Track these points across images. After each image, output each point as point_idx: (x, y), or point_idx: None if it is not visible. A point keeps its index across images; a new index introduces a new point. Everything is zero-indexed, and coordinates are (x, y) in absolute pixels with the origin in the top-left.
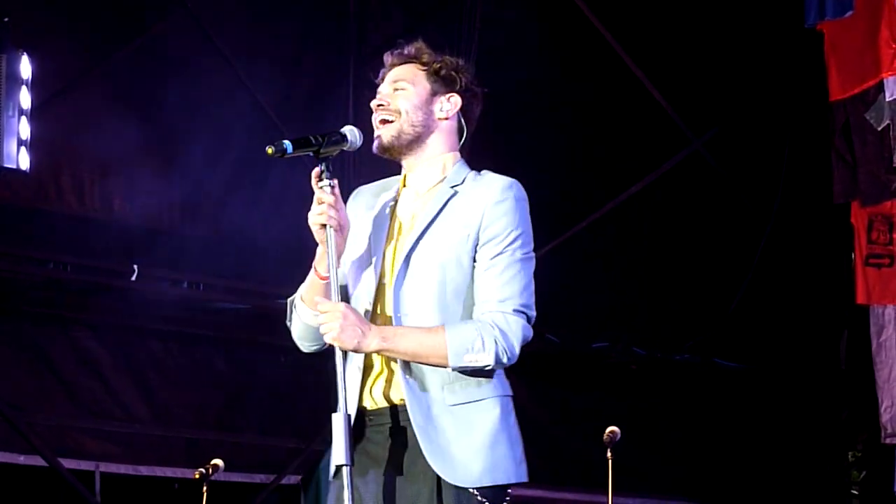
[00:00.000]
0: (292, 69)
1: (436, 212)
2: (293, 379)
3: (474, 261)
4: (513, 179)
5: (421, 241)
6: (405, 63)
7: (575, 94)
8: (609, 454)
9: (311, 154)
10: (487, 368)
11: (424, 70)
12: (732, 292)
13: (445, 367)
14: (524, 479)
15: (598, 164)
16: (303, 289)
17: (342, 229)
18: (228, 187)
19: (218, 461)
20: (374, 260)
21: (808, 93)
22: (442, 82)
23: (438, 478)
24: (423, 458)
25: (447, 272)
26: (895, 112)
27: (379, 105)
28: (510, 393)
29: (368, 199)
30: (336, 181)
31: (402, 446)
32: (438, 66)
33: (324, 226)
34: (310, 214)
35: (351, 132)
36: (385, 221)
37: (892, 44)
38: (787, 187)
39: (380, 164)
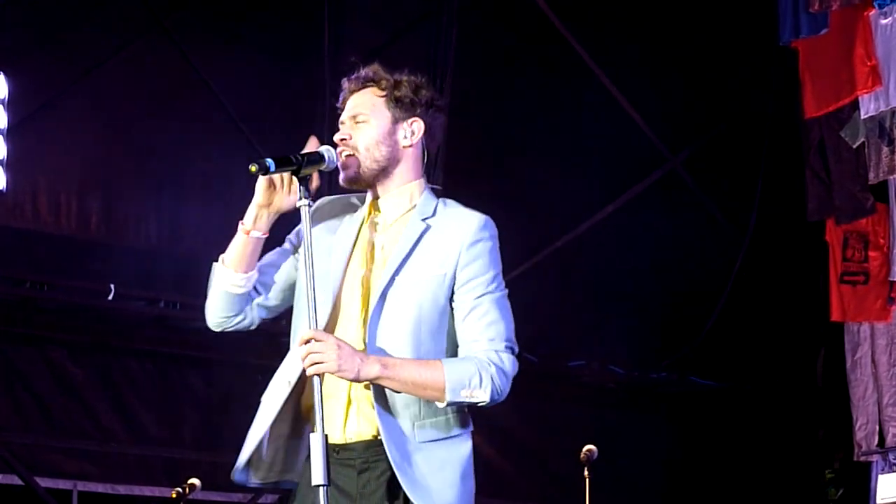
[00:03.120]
0: (268, 87)
1: (409, 247)
2: None
3: (451, 301)
4: (485, 217)
5: (397, 278)
6: (363, 88)
7: (551, 115)
8: (586, 472)
9: (291, 173)
10: (479, 405)
11: (384, 97)
12: (709, 310)
13: (440, 400)
14: None
15: (577, 183)
16: (228, 252)
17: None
18: (204, 206)
19: (195, 480)
20: (341, 285)
21: (783, 111)
22: (403, 108)
23: None
24: (399, 492)
25: (423, 311)
26: (870, 130)
27: (342, 139)
28: (471, 427)
29: (329, 217)
30: (311, 202)
31: (374, 480)
32: (398, 92)
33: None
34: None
35: (328, 152)
36: (352, 246)
37: (868, 61)
38: (763, 205)
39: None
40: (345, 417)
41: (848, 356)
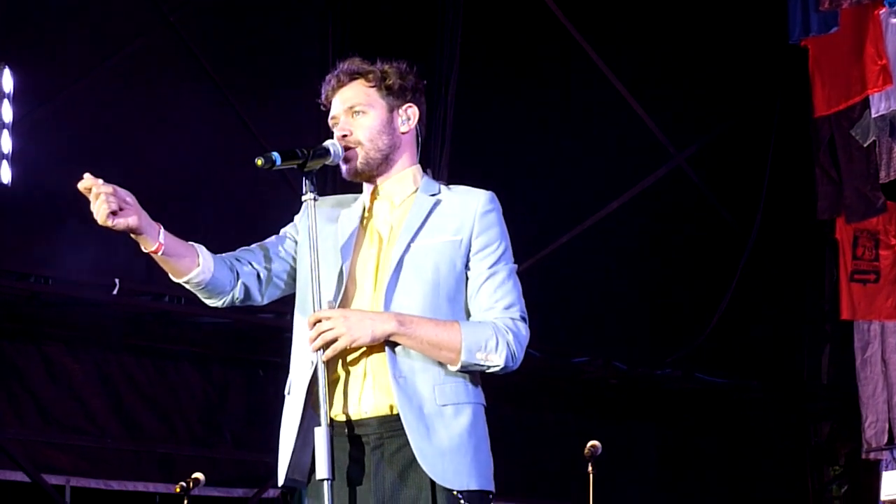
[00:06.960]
0: (275, 84)
1: (423, 218)
2: (271, 393)
3: (467, 267)
4: (491, 192)
5: (413, 245)
6: (351, 82)
7: (556, 110)
8: (590, 468)
9: (296, 167)
10: (492, 370)
11: (374, 87)
12: (714, 306)
13: (453, 362)
14: (493, 489)
15: (581, 178)
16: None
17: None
18: (210, 201)
19: (199, 475)
20: (352, 265)
21: (790, 108)
22: (395, 96)
23: (433, 481)
24: (416, 463)
25: (441, 275)
26: (882, 129)
27: (343, 136)
28: (485, 403)
29: (327, 210)
30: (317, 196)
31: (390, 455)
32: (388, 80)
33: (113, 213)
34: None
35: (334, 146)
36: (357, 232)
37: (879, 60)
38: (769, 202)
39: None
40: (360, 391)
41: (858, 354)
